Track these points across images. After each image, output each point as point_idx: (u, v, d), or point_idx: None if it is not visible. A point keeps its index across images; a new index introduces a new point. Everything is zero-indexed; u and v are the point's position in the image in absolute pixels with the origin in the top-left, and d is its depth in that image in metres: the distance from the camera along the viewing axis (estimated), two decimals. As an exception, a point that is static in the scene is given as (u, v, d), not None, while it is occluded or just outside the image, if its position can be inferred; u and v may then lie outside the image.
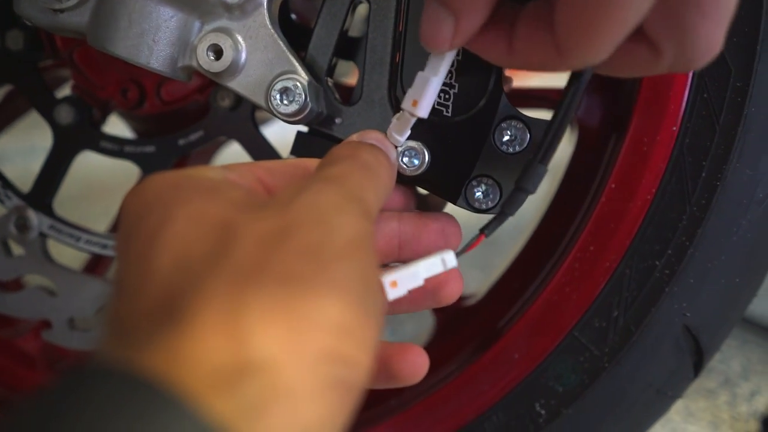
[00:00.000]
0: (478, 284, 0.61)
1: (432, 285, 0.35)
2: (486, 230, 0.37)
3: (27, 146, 1.46)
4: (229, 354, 0.20)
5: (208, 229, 0.24)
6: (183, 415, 0.19)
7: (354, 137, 0.36)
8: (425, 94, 0.34)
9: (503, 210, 0.37)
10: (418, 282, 0.33)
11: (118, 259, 0.26)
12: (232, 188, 0.28)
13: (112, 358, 0.21)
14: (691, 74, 0.44)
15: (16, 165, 1.54)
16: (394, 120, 0.37)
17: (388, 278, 0.32)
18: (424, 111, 0.35)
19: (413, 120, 0.36)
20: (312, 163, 0.34)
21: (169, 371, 0.20)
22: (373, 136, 0.36)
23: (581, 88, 0.34)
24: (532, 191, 0.36)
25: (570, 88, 0.34)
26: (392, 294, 0.32)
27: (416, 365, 0.34)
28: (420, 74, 0.35)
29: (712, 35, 0.26)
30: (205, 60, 0.40)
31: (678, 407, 0.90)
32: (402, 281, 0.32)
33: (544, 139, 0.35)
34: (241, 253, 0.23)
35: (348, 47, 0.48)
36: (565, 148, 0.59)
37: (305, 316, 0.22)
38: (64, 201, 0.60)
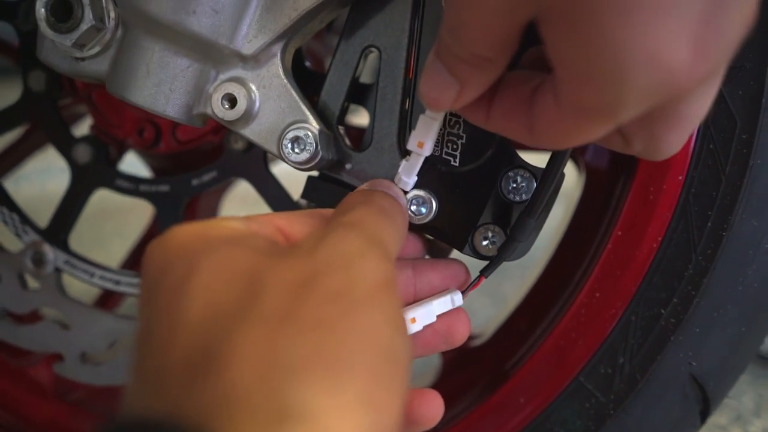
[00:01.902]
0: (488, 311, 0.61)
1: (444, 327, 0.38)
2: (485, 272, 0.40)
3: (44, 166, 1.49)
4: (269, 404, 0.21)
5: (234, 278, 0.25)
6: None
7: (364, 186, 0.37)
8: (429, 135, 0.37)
9: (501, 253, 0.40)
10: (432, 318, 0.38)
11: (143, 311, 0.27)
12: (254, 237, 0.29)
13: (152, 411, 0.21)
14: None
15: (34, 185, 1.56)
16: (403, 163, 0.39)
17: (408, 315, 0.37)
18: (429, 150, 0.38)
19: (421, 161, 0.38)
20: (328, 212, 0.35)
21: (211, 422, 0.20)
22: (383, 184, 0.37)
23: (567, 156, 0.37)
24: (524, 240, 0.39)
25: (556, 156, 0.37)
26: (412, 329, 0.37)
27: (434, 409, 0.36)
28: (422, 117, 0.37)
29: (675, 141, 0.29)
30: (219, 108, 0.41)
31: (688, 445, 0.89)
32: (419, 318, 0.37)
33: (533, 197, 0.38)
34: (270, 302, 0.23)
35: (359, 93, 0.49)
36: (575, 176, 0.59)
37: (339, 364, 0.22)
38: (82, 231, 0.61)
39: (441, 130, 0.41)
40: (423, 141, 0.37)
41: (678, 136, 0.28)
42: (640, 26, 0.22)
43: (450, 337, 0.39)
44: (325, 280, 0.25)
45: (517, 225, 0.39)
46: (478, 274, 0.40)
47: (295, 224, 0.33)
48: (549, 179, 0.38)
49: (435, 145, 0.41)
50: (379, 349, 0.24)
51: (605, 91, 0.24)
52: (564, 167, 0.37)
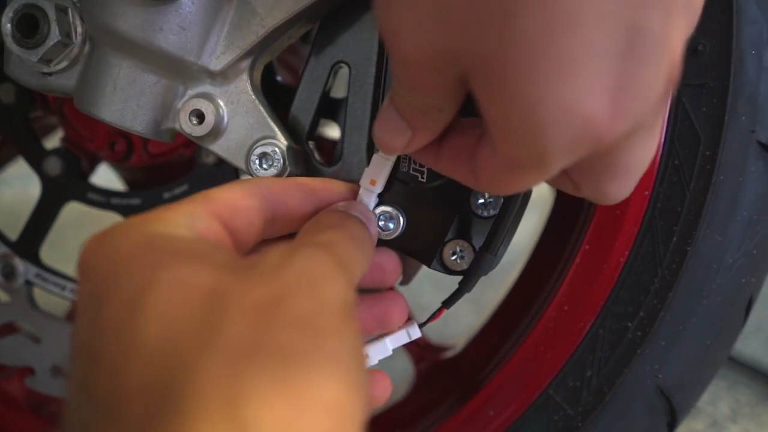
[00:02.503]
0: (471, 318, 0.61)
1: (381, 311, 0.38)
2: (446, 304, 0.40)
3: (26, 171, 1.48)
4: None
5: (195, 299, 0.23)
6: None
7: (340, 206, 0.36)
8: (382, 174, 0.38)
9: (461, 287, 0.40)
10: (387, 353, 0.37)
11: (84, 321, 0.25)
12: (211, 249, 0.27)
13: None
14: (663, 141, 0.45)
15: (15, 189, 1.55)
16: (361, 191, 0.39)
17: None
18: (380, 188, 0.39)
19: (374, 197, 0.39)
20: (261, 186, 0.33)
21: None
22: (358, 209, 0.37)
23: (519, 197, 0.38)
24: (484, 275, 0.40)
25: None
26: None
27: (383, 389, 0.37)
28: (375, 156, 0.38)
29: (620, 189, 0.30)
30: (187, 124, 0.42)
31: (665, 451, 0.89)
32: (373, 353, 0.37)
33: (489, 234, 0.39)
34: (234, 328, 0.22)
35: (330, 108, 0.50)
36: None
37: (305, 396, 0.22)
38: (59, 228, 0.60)
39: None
40: (375, 179, 0.38)
41: (621, 185, 0.29)
42: (551, 84, 0.22)
43: (386, 321, 0.38)
44: (291, 303, 0.24)
45: (476, 260, 0.40)
46: (440, 305, 0.41)
47: (238, 215, 0.31)
48: (506, 216, 0.39)
49: (403, 161, 0.41)
50: (343, 379, 0.23)
51: (528, 145, 0.24)
52: (517, 206, 0.39)
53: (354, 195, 0.39)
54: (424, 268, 0.51)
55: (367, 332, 0.38)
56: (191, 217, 0.29)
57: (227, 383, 0.21)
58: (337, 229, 0.32)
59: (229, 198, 0.31)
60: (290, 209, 0.34)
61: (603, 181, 0.29)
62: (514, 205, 0.38)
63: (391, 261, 0.41)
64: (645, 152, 0.28)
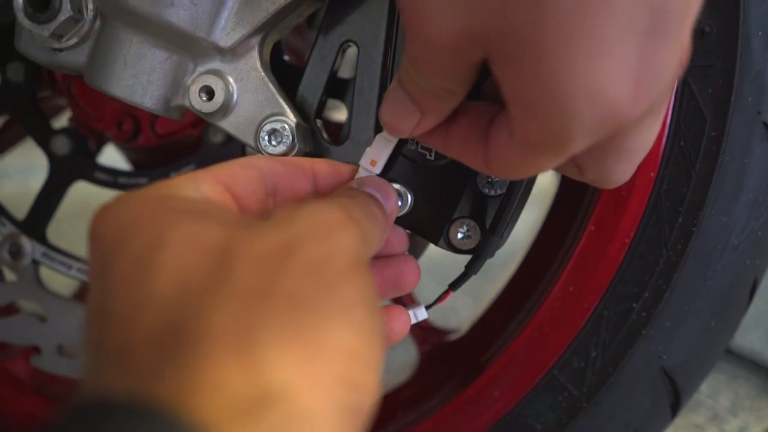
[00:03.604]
0: (470, 311, 0.62)
1: (393, 274, 0.38)
2: (453, 286, 0.41)
3: (26, 164, 1.48)
4: (246, 384, 0.20)
5: (205, 251, 0.23)
6: None
7: (354, 183, 0.36)
8: (383, 155, 0.38)
9: (467, 270, 0.41)
10: None
11: (95, 284, 0.25)
12: (217, 209, 0.27)
13: (115, 391, 0.20)
14: (668, 123, 0.45)
15: (16, 182, 1.55)
16: (360, 171, 0.38)
17: None
18: (379, 169, 0.38)
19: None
20: (261, 162, 0.33)
21: (185, 403, 0.19)
22: (371, 185, 0.36)
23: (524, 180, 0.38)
24: (490, 257, 0.40)
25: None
26: None
27: (402, 323, 0.37)
28: (379, 136, 0.37)
29: (624, 172, 0.30)
30: (197, 101, 0.42)
31: (665, 442, 0.90)
32: None
33: (496, 216, 0.40)
34: (243, 276, 0.22)
35: (337, 88, 0.50)
36: (551, 174, 0.60)
37: (317, 341, 0.22)
38: (61, 218, 0.61)
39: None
40: (376, 161, 0.38)
41: (626, 168, 0.30)
42: (581, 64, 0.23)
43: (399, 284, 0.38)
44: (301, 251, 0.24)
45: (482, 242, 0.40)
46: (446, 287, 0.41)
47: (240, 181, 0.31)
48: (511, 199, 0.39)
49: (411, 139, 0.41)
50: (356, 326, 0.23)
51: (553, 126, 0.25)
52: (523, 188, 0.39)
53: (353, 175, 0.38)
54: (428, 256, 0.51)
55: (380, 295, 0.38)
56: (196, 181, 0.29)
57: (239, 326, 0.21)
58: (350, 198, 0.32)
59: (229, 167, 0.31)
60: (290, 185, 0.34)
61: (609, 164, 0.30)
62: (519, 187, 0.39)
63: (399, 237, 0.41)
64: (650, 134, 0.29)
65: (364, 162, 0.38)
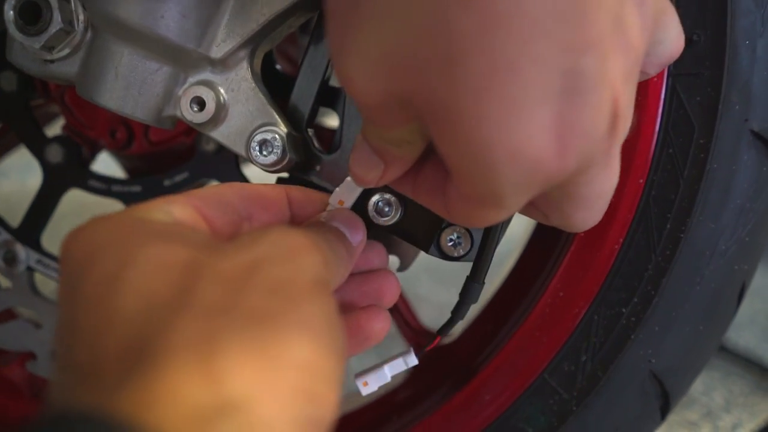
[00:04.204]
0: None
1: (373, 288, 0.39)
2: (441, 332, 0.43)
3: (23, 163, 1.48)
4: (205, 394, 0.20)
5: (171, 271, 0.24)
6: None
7: (323, 216, 0.37)
8: (351, 198, 0.38)
9: (454, 315, 0.42)
10: (386, 380, 0.40)
11: (65, 302, 0.25)
12: (187, 231, 0.28)
13: (81, 404, 0.21)
14: (657, 130, 0.46)
15: (13, 181, 1.55)
16: (328, 208, 0.39)
17: (360, 380, 0.40)
18: (348, 207, 0.39)
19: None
20: (235, 187, 0.34)
21: (145, 414, 0.20)
22: (340, 218, 0.36)
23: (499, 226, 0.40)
24: (475, 302, 0.41)
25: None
26: (365, 391, 0.39)
27: (382, 321, 0.37)
28: (347, 180, 0.38)
29: (587, 218, 0.30)
30: (188, 111, 0.42)
31: (659, 440, 0.91)
32: (371, 381, 0.40)
33: (475, 262, 0.41)
34: (207, 292, 0.23)
35: (329, 96, 0.50)
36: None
37: (277, 354, 0.22)
38: (58, 220, 0.61)
39: None
40: (344, 201, 0.38)
41: (587, 215, 0.30)
42: (498, 127, 0.23)
43: (379, 298, 0.39)
44: (265, 270, 0.25)
45: (464, 290, 0.41)
46: (435, 333, 0.43)
47: (211, 204, 0.32)
48: (488, 246, 0.40)
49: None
50: (317, 341, 0.24)
51: (482, 184, 0.25)
52: (498, 234, 0.40)
53: (325, 205, 0.39)
54: (422, 257, 0.51)
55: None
56: (167, 204, 0.29)
57: (200, 339, 0.22)
58: (316, 229, 0.33)
59: (202, 191, 0.32)
60: (265, 210, 0.35)
61: (568, 211, 0.30)
62: (494, 235, 0.40)
63: (378, 252, 0.41)
64: (603, 184, 0.29)
65: (332, 202, 0.38)
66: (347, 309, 0.38)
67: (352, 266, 0.35)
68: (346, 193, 0.38)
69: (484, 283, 0.40)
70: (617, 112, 0.25)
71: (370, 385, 0.40)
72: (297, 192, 0.37)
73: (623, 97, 0.25)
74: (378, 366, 0.40)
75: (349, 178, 0.38)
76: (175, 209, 0.29)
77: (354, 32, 0.25)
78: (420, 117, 0.26)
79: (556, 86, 0.23)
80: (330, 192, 0.39)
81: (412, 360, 0.40)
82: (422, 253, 0.53)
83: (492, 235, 0.40)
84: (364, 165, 0.32)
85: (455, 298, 0.41)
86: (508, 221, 0.41)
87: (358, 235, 0.36)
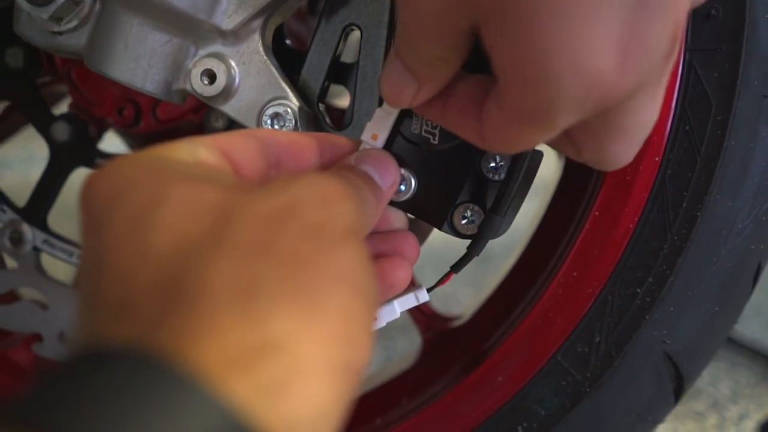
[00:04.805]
0: (471, 301, 0.62)
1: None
2: (455, 268, 0.40)
3: (26, 154, 1.47)
4: (248, 334, 0.20)
5: (205, 210, 0.23)
6: (202, 397, 0.19)
7: (352, 159, 0.36)
8: (384, 128, 0.37)
9: (469, 251, 0.40)
10: (395, 315, 0.38)
11: (89, 242, 0.25)
12: (215, 173, 0.27)
13: (114, 340, 0.20)
14: (673, 106, 0.45)
15: (15, 173, 1.54)
16: (362, 146, 0.38)
17: None
18: (382, 143, 0.38)
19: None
20: (263, 133, 0.33)
21: (185, 351, 0.19)
22: (369, 160, 0.35)
23: (528, 155, 0.38)
24: (493, 237, 0.40)
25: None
26: (373, 327, 0.35)
27: (405, 269, 0.37)
28: (379, 110, 0.37)
29: (622, 153, 0.30)
30: (198, 84, 0.41)
31: (667, 429, 0.90)
32: (381, 316, 0.38)
33: (497, 195, 0.39)
34: (244, 232, 0.23)
35: (340, 72, 0.49)
36: (554, 166, 0.60)
37: (315, 298, 0.22)
38: (61, 210, 0.60)
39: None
40: (378, 133, 0.37)
41: (624, 149, 0.30)
42: (566, 35, 0.23)
43: (390, 287, 0.38)
44: (302, 213, 0.24)
45: (484, 222, 0.40)
46: (448, 269, 0.41)
47: (238, 148, 0.31)
48: (513, 179, 0.38)
49: (414, 123, 0.41)
50: (353, 287, 0.24)
51: (538, 96, 0.25)
52: (525, 169, 0.38)
53: (354, 149, 0.38)
54: (427, 250, 0.51)
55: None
56: (193, 145, 0.28)
57: (239, 279, 0.21)
58: (345, 174, 0.33)
59: (228, 135, 0.31)
60: (294, 158, 0.34)
61: (605, 144, 0.29)
62: (522, 166, 0.38)
63: (398, 213, 0.41)
64: (648, 114, 0.28)
65: (365, 136, 0.37)
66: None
67: (381, 211, 0.35)
68: (379, 125, 0.37)
69: (504, 216, 0.39)
70: (677, 34, 0.25)
71: (379, 320, 0.38)
72: (326, 139, 0.36)
73: (683, 20, 0.25)
74: (388, 301, 0.38)
75: (379, 109, 0.37)
76: (201, 151, 0.28)
77: None
78: (477, 23, 0.25)
79: None
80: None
81: (423, 296, 0.39)
82: (426, 246, 0.52)
83: (519, 164, 0.38)
84: (397, 84, 0.31)
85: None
86: (534, 164, 0.40)
87: (389, 177, 0.35)
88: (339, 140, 0.37)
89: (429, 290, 0.40)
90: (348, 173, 0.33)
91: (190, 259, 0.22)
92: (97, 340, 0.21)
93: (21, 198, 0.58)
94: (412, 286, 0.39)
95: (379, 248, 0.38)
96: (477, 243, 0.40)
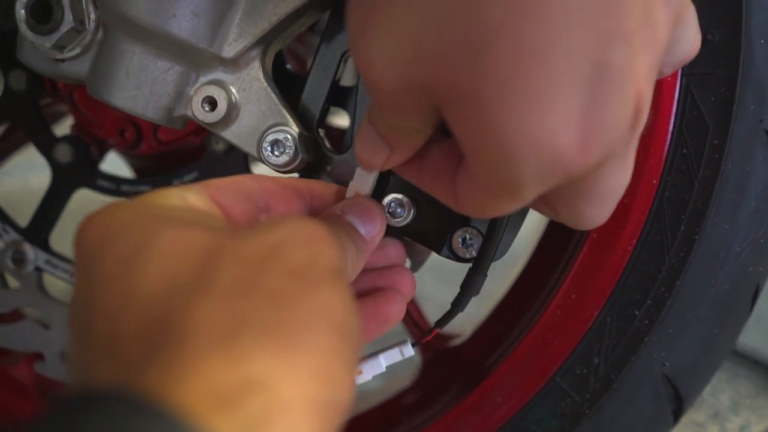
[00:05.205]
0: (473, 310, 0.62)
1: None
2: (439, 325, 0.42)
3: (26, 161, 1.48)
4: (229, 373, 0.21)
5: (192, 253, 0.24)
6: None
7: (338, 207, 0.36)
8: (367, 186, 0.38)
9: (453, 308, 0.41)
10: (381, 369, 0.39)
11: (81, 283, 0.25)
12: (204, 217, 0.28)
13: (103, 382, 0.21)
14: (670, 130, 0.45)
15: (15, 179, 1.55)
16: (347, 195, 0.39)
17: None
18: (369, 191, 0.39)
19: None
20: (252, 178, 0.34)
21: (170, 391, 0.20)
22: (355, 209, 0.36)
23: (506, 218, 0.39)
24: (475, 295, 0.41)
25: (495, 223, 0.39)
26: (359, 380, 0.38)
27: (398, 304, 0.38)
28: (358, 170, 0.38)
29: (596, 215, 0.31)
30: (199, 111, 0.42)
31: (666, 442, 0.90)
32: (366, 370, 0.39)
33: (478, 255, 0.40)
34: (229, 273, 0.23)
35: (340, 96, 0.50)
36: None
37: (297, 337, 0.23)
38: (64, 226, 0.61)
39: None
40: (360, 191, 0.38)
41: (598, 211, 0.30)
42: (523, 116, 0.23)
43: (385, 320, 0.38)
44: (286, 253, 0.25)
45: (466, 281, 0.41)
46: (433, 325, 0.42)
47: (226, 193, 0.31)
48: (492, 238, 0.39)
49: None
50: (335, 326, 0.24)
51: (501, 174, 0.25)
52: (504, 228, 0.39)
53: (340, 197, 0.38)
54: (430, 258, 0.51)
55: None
56: (183, 191, 0.29)
57: (223, 319, 0.22)
58: (332, 222, 0.33)
59: (218, 181, 0.32)
60: (284, 203, 0.35)
61: (579, 207, 0.30)
62: (500, 227, 0.39)
63: (397, 249, 0.41)
64: (618, 180, 0.29)
65: (349, 194, 0.38)
66: (364, 296, 0.38)
67: (366, 259, 0.35)
68: (360, 183, 0.38)
69: (486, 275, 0.40)
70: (640, 106, 0.25)
71: (365, 373, 0.39)
72: (317, 186, 0.37)
73: (646, 92, 0.25)
74: (373, 355, 0.39)
75: (358, 169, 0.38)
76: (191, 196, 0.29)
77: (378, 15, 0.25)
78: (438, 105, 0.26)
79: (584, 77, 0.23)
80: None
81: (409, 351, 0.40)
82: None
83: (498, 227, 0.39)
84: (369, 149, 0.32)
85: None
86: (519, 220, 0.41)
87: (374, 226, 0.36)
88: (331, 188, 0.38)
89: (414, 345, 0.41)
90: (332, 222, 0.34)
91: (177, 300, 0.23)
92: (86, 380, 0.22)
93: (20, 206, 0.58)
94: (399, 342, 0.40)
95: (375, 283, 0.38)
96: (461, 299, 0.41)
